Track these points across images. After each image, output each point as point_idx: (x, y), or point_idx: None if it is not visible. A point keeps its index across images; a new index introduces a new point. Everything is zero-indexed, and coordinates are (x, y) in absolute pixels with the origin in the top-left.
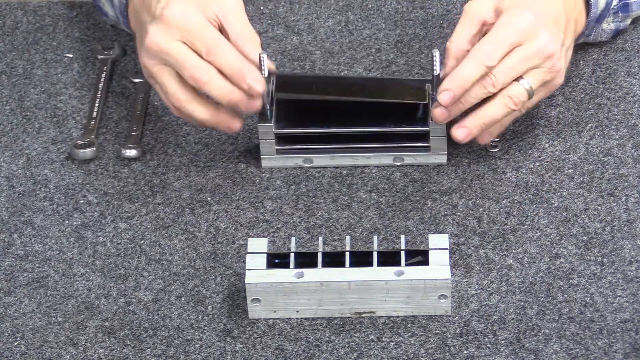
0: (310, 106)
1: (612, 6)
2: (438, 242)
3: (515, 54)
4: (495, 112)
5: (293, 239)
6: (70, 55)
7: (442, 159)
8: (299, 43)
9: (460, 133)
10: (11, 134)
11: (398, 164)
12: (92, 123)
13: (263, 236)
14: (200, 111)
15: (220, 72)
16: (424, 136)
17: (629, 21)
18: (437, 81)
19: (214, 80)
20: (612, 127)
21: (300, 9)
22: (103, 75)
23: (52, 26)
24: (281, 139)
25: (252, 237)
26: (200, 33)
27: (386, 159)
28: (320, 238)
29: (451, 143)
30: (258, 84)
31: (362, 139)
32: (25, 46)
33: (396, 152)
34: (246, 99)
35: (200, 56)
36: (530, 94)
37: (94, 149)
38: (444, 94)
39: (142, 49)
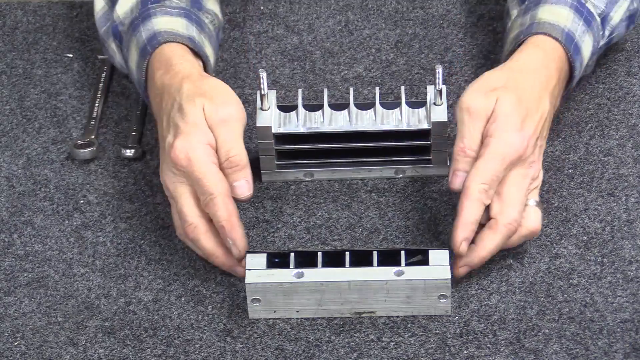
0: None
1: (598, 48)
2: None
3: (517, 185)
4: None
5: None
6: (70, 55)
7: (444, 171)
8: (299, 43)
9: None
10: (11, 134)
11: (399, 176)
12: (92, 123)
13: (263, 236)
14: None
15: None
16: (426, 149)
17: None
18: (438, 95)
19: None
20: (612, 127)
21: (300, 9)
22: (103, 75)
23: (52, 26)
24: (281, 154)
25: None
26: (199, 184)
27: (387, 171)
28: (320, 253)
29: (451, 143)
30: (236, 245)
31: (364, 153)
32: (25, 46)
33: (398, 166)
34: (228, 260)
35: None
36: (542, 208)
37: (94, 149)
38: (463, 245)
39: (162, 163)
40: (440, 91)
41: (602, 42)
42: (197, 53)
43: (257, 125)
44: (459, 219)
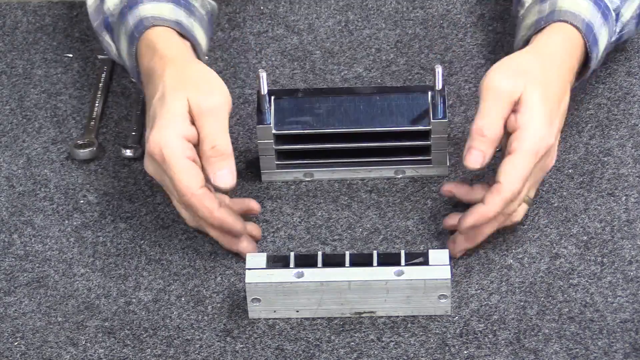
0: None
1: (609, 45)
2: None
3: (535, 178)
4: (491, 230)
5: (292, 254)
6: (70, 55)
7: (444, 171)
8: (299, 43)
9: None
10: (11, 134)
11: (399, 176)
12: (92, 123)
13: (263, 236)
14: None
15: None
16: (426, 150)
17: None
18: (438, 95)
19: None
20: (612, 127)
21: (300, 9)
22: (103, 75)
23: (52, 26)
24: (281, 154)
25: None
26: (173, 181)
27: (387, 171)
28: (320, 253)
29: (451, 143)
30: (232, 232)
31: (364, 153)
32: (25, 46)
33: (398, 166)
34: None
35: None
36: (530, 204)
37: (94, 149)
38: (464, 223)
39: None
40: (440, 91)
41: (613, 38)
42: (186, 37)
43: (257, 125)
44: (479, 207)
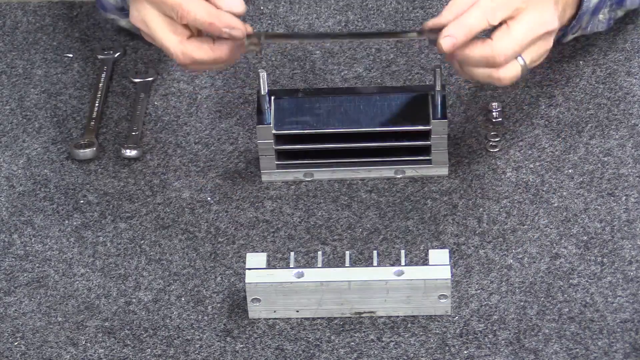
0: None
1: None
2: (438, 257)
3: (520, 25)
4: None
5: (292, 254)
6: (70, 55)
7: (444, 171)
8: (299, 43)
9: (447, 42)
10: (11, 134)
11: (399, 176)
12: (92, 123)
13: (263, 236)
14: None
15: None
16: (426, 150)
17: (621, 13)
18: (438, 95)
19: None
20: (612, 127)
21: (300, 9)
22: (103, 75)
23: (52, 26)
24: (281, 154)
25: (251, 251)
26: (166, 2)
27: (387, 171)
28: (319, 253)
29: (451, 143)
30: (234, 28)
31: (364, 153)
32: (25, 46)
33: (398, 166)
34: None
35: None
36: (524, 73)
37: (94, 149)
38: (446, 40)
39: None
40: (440, 91)
41: None
42: None
43: (257, 125)
44: (458, 19)
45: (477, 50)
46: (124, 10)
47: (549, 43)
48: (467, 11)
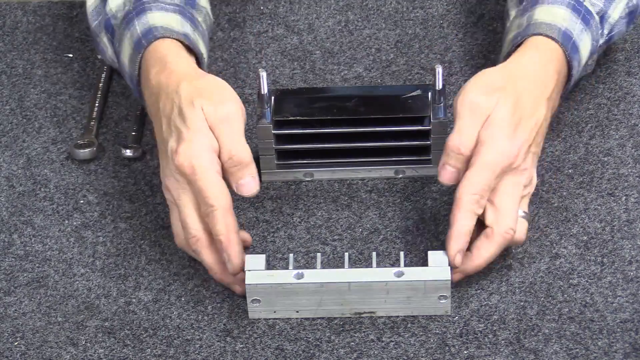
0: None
1: (598, 46)
2: (437, 259)
3: (510, 193)
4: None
5: (291, 256)
6: (70, 55)
7: None
8: (299, 43)
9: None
10: (11, 134)
11: (399, 176)
12: (92, 123)
13: (263, 236)
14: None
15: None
16: (426, 149)
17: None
18: (438, 95)
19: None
20: (612, 127)
21: (300, 9)
22: (103, 75)
23: (52, 26)
24: (281, 154)
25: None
26: (202, 194)
27: (387, 171)
28: (319, 255)
29: None
30: (231, 261)
31: (364, 153)
32: (25, 46)
33: (398, 166)
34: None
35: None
36: (529, 219)
37: (94, 149)
38: (458, 257)
39: (164, 168)
40: (440, 91)
41: (601, 41)
42: (192, 50)
43: (257, 125)
44: (452, 230)
45: (492, 248)
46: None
47: (518, 179)
48: (455, 215)
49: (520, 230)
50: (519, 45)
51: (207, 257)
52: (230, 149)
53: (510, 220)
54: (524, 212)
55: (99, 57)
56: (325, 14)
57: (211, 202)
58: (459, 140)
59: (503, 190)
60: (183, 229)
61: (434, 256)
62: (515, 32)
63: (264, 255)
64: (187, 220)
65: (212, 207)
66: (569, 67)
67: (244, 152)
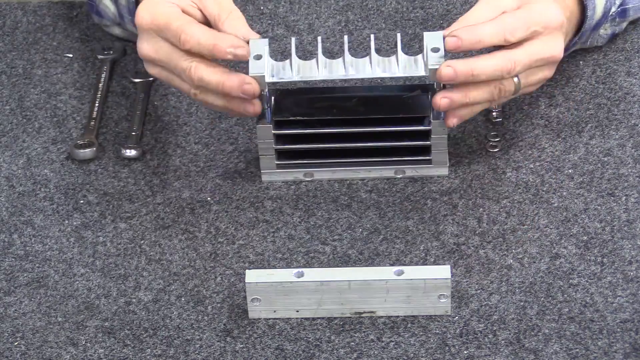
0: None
1: (610, 13)
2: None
3: (534, 47)
4: (481, 97)
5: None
6: (70, 55)
7: (444, 170)
8: (299, 43)
9: (450, 41)
10: (11, 134)
11: (399, 176)
12: (92, 123)
13: (263, 236)
14: (212, 98)
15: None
16: (426, 149)
17: (624, 25)
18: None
19: (205, 71)
20: (612, 127)
21: (300, 9)
22: (103, 75)
23: (52, 26)
24: (281, 154)
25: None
26: (166, 26)
27: (387, 171)
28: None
29: (451, 143)
30: (238, 47)
31: (364, 153)
32: (25, 46)
33: (398, 165)
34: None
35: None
36: (517, 90)
37: (94, 149)
38: (451, 39)
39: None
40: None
41: (613, 9)
42: None
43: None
44: (471, 26)
45: (492, 61)
46: (120, 24)
47: (550, 72)
48: (484, 23)
49: (508, 86)
50: None
51: (212, 76)
52: (215, 7)
53: (520, 66)
54: (519, 80)
55: (99, 57)
56: (325, 14)
57: (175, 30)
58: (471, 17)
59: (534, 42)
60: (178, 76)
61: (430, 35)
62: None
63: (266, 40)
64: (177, 65)
65: (176, 31)
66: (584, 8)
67: (229, 8)
